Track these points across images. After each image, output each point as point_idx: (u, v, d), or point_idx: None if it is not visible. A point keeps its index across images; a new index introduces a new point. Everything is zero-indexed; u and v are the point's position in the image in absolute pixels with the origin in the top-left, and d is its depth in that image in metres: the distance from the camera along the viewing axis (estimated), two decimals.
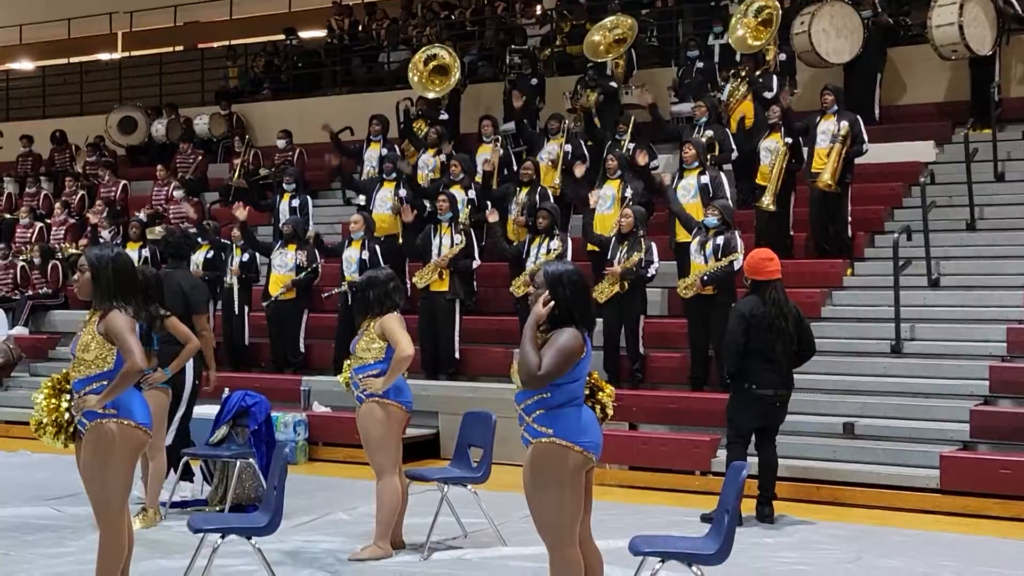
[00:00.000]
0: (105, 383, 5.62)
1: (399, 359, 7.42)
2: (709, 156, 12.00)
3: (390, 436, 7.57)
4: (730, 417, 8.56)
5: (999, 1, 13.03)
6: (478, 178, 13.51)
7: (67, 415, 5.89)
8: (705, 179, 11.31)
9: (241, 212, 13.11)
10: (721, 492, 5.96)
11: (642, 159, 12.20)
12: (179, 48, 23.73)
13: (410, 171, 13.70)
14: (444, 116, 15.19)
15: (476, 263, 12.20)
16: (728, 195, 11.33)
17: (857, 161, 11.91)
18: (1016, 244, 11.51)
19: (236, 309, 13.08)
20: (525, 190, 12.68)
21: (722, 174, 11.52)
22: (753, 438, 8.56)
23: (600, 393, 6.86)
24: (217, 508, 8.93)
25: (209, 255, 13.30)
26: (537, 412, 5.39)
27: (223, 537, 6.29)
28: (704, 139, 12.40)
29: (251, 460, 8.84)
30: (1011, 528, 8.46)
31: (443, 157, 13.89)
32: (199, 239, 13.36)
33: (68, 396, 5.88)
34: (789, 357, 8.42)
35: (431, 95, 14.78)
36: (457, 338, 12.05)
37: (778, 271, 8.53)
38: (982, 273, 11.34)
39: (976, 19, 12.79)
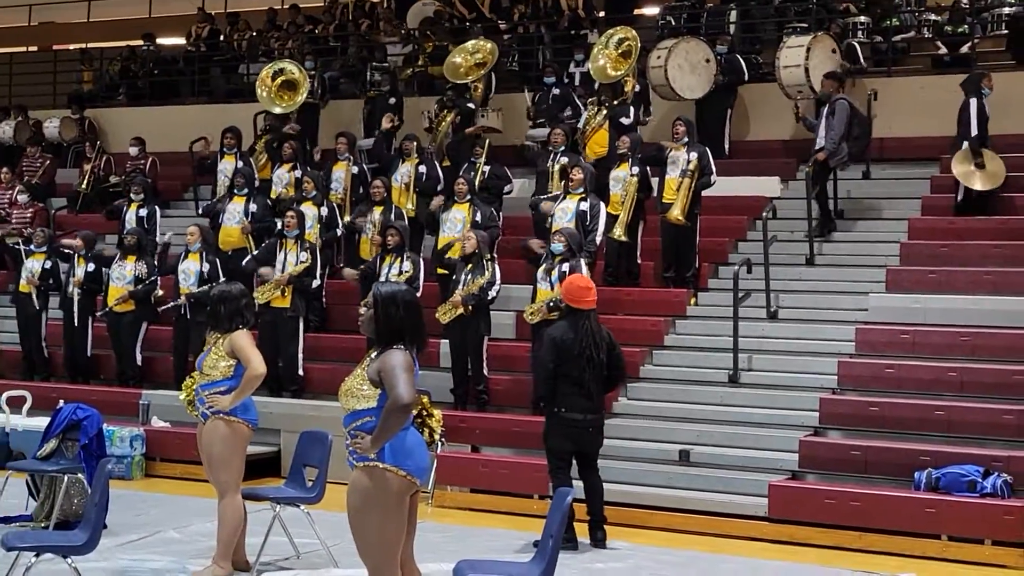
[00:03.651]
0: None
1: (251, 377, 7.32)
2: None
3: (234, 454, 7.47)
4: (546, 444, 8.66)
5: (841, 47, 13.50)
6: (334, 196, 13.45)
7: None
8: (585, 206, 11.39)
9: (74, 243, 12.89)
10: (546, 518, 6.01)
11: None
12: (32, 48, 23.05)
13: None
14: (296, 127, 15.04)
15: (316, 282, 12.10)
16: (602, 224, 11.40)
17: (705, 193, 12.16)
18: (850, 280, 11.82)
19: (76, 320, 12.72)
20: (379, 209, 12.66)
21: (601, 203, 11.57)
22: (576, 464, 8.64)
23: (429, 419, 6.88)
24: (42, 525, 8.68)
25: (47, 265, 12.95)
26: (363, 436, 5.39)
27: (37, 555, 6.12)
28: (558, 165, 12.55)
29: (80, 475, 8.63)
30: (834, 556, 8.70)
31: (297, 173, 13.78)
32: (32, 247, 13.05)
33: None
34: (599, 384, 8.56)
35: (278, 110, 14.70)
36: (300, 355, 11.95)
37: (594, 301, 8.65)
38: (818, 307, 11.65)
39: (822, 63, 13.22)
